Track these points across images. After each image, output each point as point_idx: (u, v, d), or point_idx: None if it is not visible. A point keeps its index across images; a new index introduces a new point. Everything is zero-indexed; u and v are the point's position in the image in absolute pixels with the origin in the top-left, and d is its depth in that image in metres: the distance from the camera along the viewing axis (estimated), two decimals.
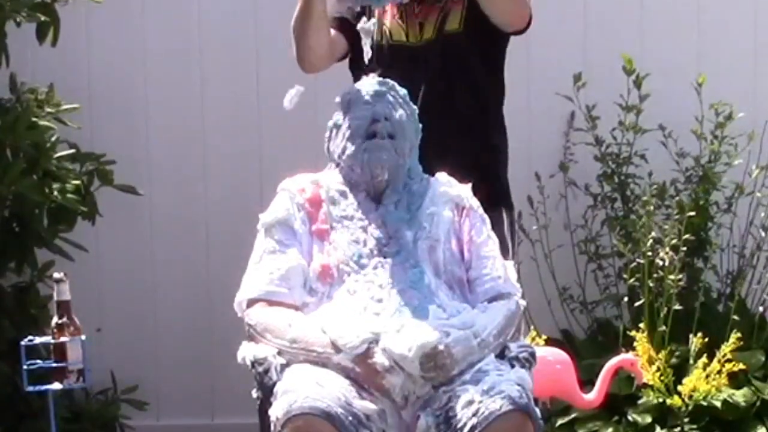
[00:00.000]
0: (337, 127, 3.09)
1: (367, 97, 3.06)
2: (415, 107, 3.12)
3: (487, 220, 3.11)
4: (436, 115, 3.28)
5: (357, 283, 2.93)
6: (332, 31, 3.39)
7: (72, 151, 4.36)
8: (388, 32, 3.42)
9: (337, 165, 3.10)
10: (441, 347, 2.78)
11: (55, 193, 4.21)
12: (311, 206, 3.05)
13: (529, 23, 3.40)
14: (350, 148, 3.04)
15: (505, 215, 3.46)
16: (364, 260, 2.95)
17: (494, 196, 3.37)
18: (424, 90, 3.34)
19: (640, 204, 4.47)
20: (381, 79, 3.13)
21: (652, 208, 4.33)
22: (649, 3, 4.83)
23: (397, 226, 2.99)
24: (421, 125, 3.12)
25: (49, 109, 4.29)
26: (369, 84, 3.10)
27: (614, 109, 4.63)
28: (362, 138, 3.03)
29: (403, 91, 3.10)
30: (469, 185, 3.13)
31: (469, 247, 3.05)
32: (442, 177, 3.13)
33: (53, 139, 4.27)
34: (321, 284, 2.97)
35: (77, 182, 4.29)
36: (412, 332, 2.79)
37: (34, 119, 4.20)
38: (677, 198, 4.53)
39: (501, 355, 2.91)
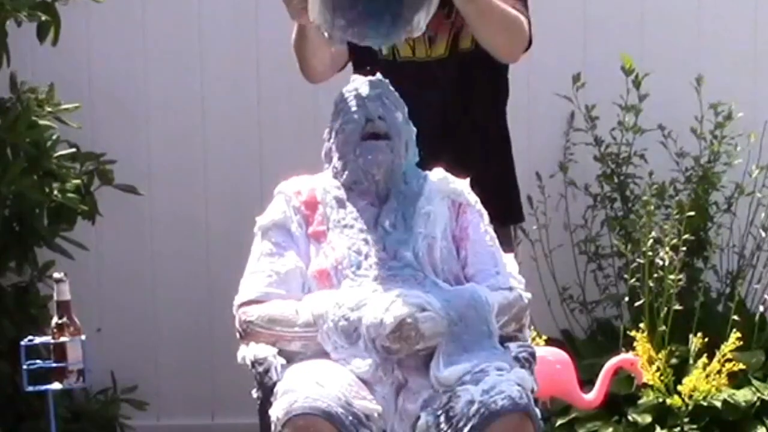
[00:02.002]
0: (332, 135, 3.06)
1: (358, 99, 3.03)
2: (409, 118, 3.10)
3: (485, 215, 3.08)
4: (450, 132, 3.26)
5: (355, 288, 2.92)
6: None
7: (72, 150, 4.36)
8: (394, 48, 3.34)
9: (335, 176, 3.07)
10: (409, 320, 2.78)
11: (56, 192, 4.21)
12: (307, 209, 3.03)
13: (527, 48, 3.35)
14: (345, 160, 3.01)
15: (512, 230, 3.45)
16: (362, 271, 2.93)
17: (508, 214, 3.36)
18: (437, 107, 3.29)
19: (639, 204, 4.47)
20: (373, 79, 3.08)
21: (651, 208, 4.33)
22: (649, 3, 4.83)
23: (396, 248, 2.96)
24: (432, 141, 3.10)
25: (49, 109, 4.29)
26: (360, 85, 3.06)
27: (614, 109, 4.63)
28: (356, 141, 3.00)
29: (396, 94, 3.07)
30: (467, 180, 3.10)
31: (465, 244, 3.03)
32: (438, 173, 3.10)
33: (53, 138, 4.27)
34: (319, 290, 2.96)
35: (77, 182, 4.29)
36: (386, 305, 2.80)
37: (34, 118, 4.20)
38: (677, 198, 4.53)
39: None
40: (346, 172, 3.03)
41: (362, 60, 3.35)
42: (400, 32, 2.99)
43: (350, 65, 3.46)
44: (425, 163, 3.11)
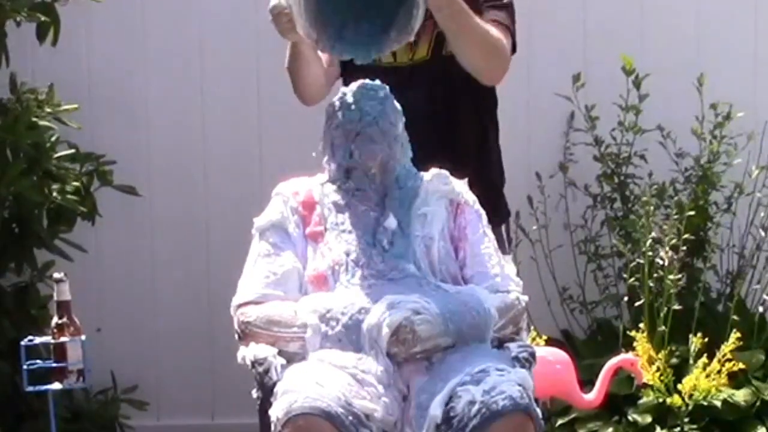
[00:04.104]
0: (327, 145, 3.06)
1: (352, 101, 3.03)
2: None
3: (483, 216, 3.09)
4: (432, 134, 3.24)
5: (354, 293, 2.92)
6: (325, 59, 3.33)
7: (72, 151, 4.36)
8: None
9: (334, 181, 3.07)
10: (405, 323, 2.79)
11: (55, 193, 4.21)
12: (305, 209, 3.03)
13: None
14: (345, 166, 3.02)
15: (504, 230, 3.42)
16: (356, 280, 2.92)
17: (496, 213, 3.32)
18: (421, 109, 3.22)
19: (639, 204, 4.47)
20: (366, 82, 3.08)
21: (651, 208, 4.33)
22: (649, 3, 4.83)
23: (396, 262, 2.96)
24: (416, 146, 3.09)
25: (48, 109, 4.28)
26: (353, 88, 3.06)
27: (614, 110, 4.63)
28: (351, 139, 3.00)
29: (387, 92, 3.06)
30: (465, 180, 3.11)
31: (464, 245, 3.03)
32: (434, 173, 3.10)
33: (53, 139, 4.27)
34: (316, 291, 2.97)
35: (77, 183, 4.29)
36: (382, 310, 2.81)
37: (34, 119, 4.20)
38: (677, 198, 4.53)
39: None
40: (350, 180, 3.03)
41: (346, 68, 3.35)
42: (385, 45, 2.99)
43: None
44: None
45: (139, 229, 4.84)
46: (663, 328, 4.21)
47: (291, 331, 2.87)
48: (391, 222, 2.99)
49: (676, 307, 4.24)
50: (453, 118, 3.34)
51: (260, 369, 2.84)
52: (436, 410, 2.74)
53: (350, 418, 2.69)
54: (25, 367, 3.39)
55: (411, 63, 3.32)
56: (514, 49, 3.30)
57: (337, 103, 3.06)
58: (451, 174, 3.12)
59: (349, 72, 3.34)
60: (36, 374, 3.40)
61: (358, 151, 3.01)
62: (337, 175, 3.05)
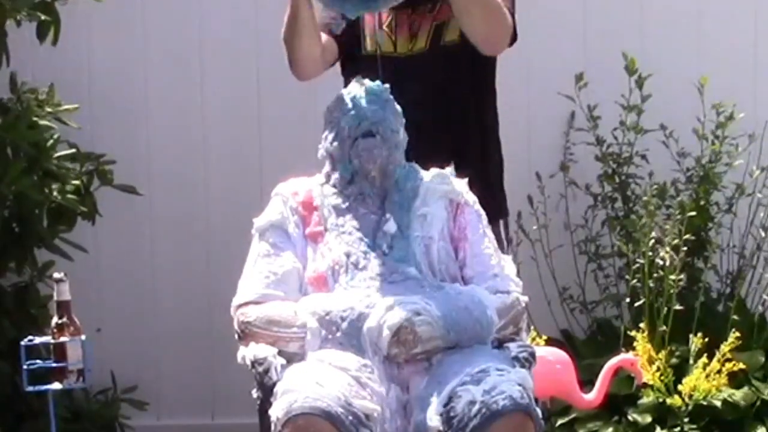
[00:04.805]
0: (326, 149, 3.06)
1: (352, 103, 3.03)
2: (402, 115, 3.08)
3: (483, 216, 3.08)
4: (432, 127, 3.24)
5: (352, 287, 2.92)
6: (324, 37, 3.33)
7: (72, 150, 4.36)
8: (377, 43, 3.34)
9: (335, 184, 3.07)
10: (405, 324, 2.79)
11: (55, 193, 4.21)
12: (304, 209, 3.03)
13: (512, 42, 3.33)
14: (348, 174, 3.02)
15: (502, 226, 3.42)
16: (355, 282, 2.92)
17: (495, 209, 3.31)
18: (418, 101, 3.22)
19: (640, 204, 4.47)
20: (367, 83, 3.07)
21: (652, 208, 4.33)
22: (650, 3, 4.83)
23: (396, 266, 2.96)
24: (415, 137, 3.09)
25: (49, 109, 4.29)
26: (353, 89, 3.06)
27: (615, 109, 4.63)
28: (350, 144, 3.01)
29: (389, 96, 3.06)
30: (465, 180, 3.10)
31: (464, 245, 3.03)
32: (434, 172, 3.09)
33: (53, 138, 4.27)
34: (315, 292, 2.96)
35: (77, 182, 4.29)
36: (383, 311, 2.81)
37: (34, 119, 4.20)
38: (678, 198, 4.53)
39: None
40: (350, 185, 3.03)
41: (347, 56, 3.36)
42: (381, 3, 3.02)
43: (338, 66, 3.45)
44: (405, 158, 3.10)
45: (139, 229, 4.85)
46: (663, 328, 4.21)
47: (291, 331, 2.87)
48: (391, 226, 2.99)
49: (677, 307, 4.25)
50: (452, 109, 3.35)
51: (260, 369, 2.84)
52: (433, 421, 2.74)
53: (350, 418, 2.69)
54: (25, 367, 3.38)
55: (410, 53, 3.34)
56: (515, 35, 3.30)
57: (336, 108, 3.05)
58: (441, 167, 3.11)
59: (349, 59, 3.35)
60: (36, 374, 3.39)
61: (357, 158, 3.01)
62: (338, 181, 3.05)
